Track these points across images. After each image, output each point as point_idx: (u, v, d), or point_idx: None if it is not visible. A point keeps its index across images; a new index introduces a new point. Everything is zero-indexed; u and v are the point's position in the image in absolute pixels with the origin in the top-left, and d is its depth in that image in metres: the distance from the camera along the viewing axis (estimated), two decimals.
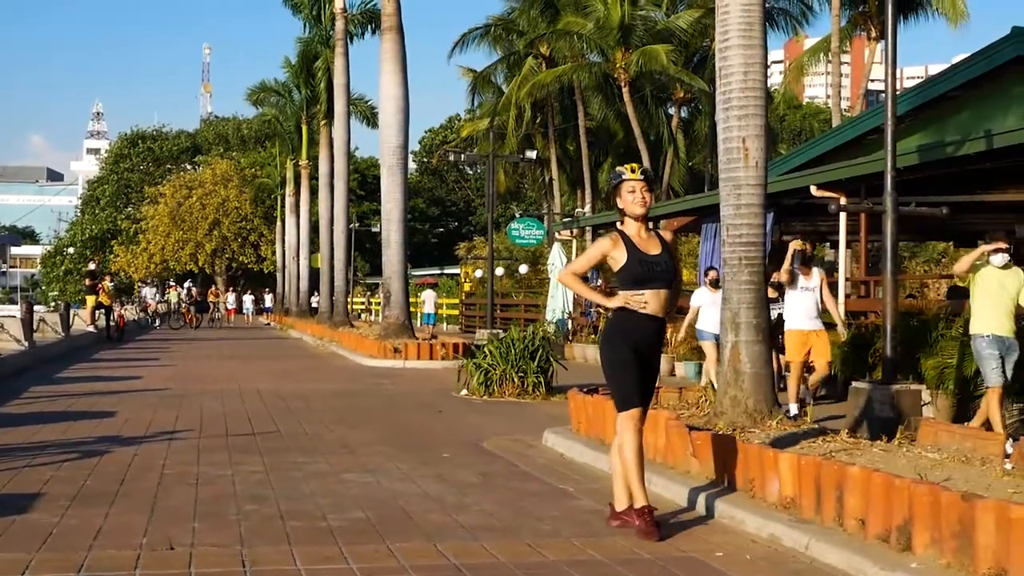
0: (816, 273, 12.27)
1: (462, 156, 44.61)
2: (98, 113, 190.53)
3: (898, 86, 11.33)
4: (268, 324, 49.69)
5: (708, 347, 14.17)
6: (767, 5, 11.26)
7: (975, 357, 9.71)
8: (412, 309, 28.28)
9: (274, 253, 65.39)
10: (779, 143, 58.81)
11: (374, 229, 56.28)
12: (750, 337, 8.64)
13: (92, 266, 33.57)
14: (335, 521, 6.51)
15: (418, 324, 34.07)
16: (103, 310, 30.32)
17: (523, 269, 43.50)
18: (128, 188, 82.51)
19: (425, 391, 15.65)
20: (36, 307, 25.16)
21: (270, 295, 57.49)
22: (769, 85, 10.86)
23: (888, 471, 6.05)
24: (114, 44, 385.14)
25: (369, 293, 62.94)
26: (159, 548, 5.79)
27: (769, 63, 11.17)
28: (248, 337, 35.83)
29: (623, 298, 6.29)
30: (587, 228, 31.09)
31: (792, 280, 12.11)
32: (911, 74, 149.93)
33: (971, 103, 19.17)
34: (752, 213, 8.80)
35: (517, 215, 45.84)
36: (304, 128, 48.36)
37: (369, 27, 39.94)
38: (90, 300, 30.08)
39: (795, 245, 12.26)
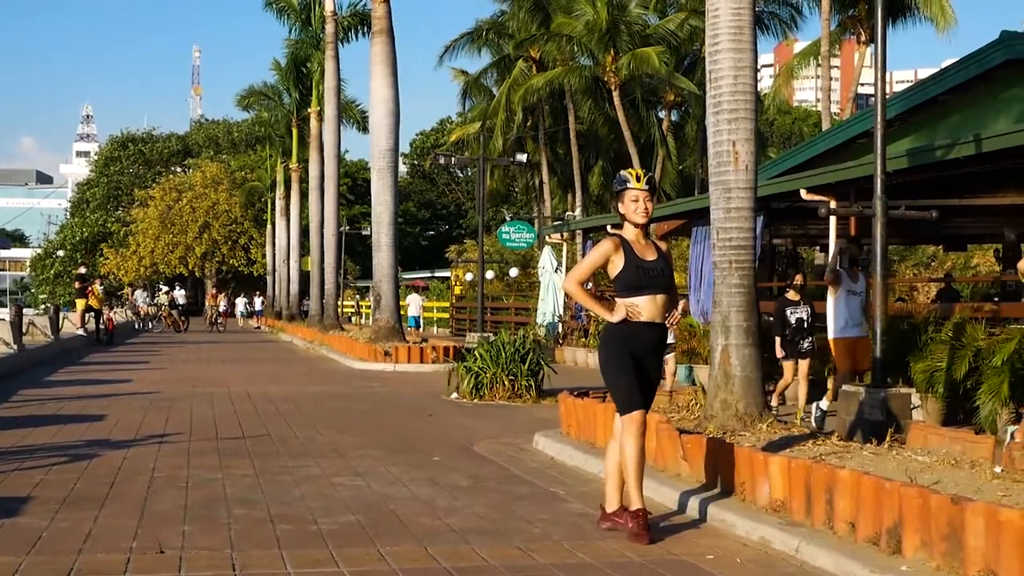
0: (863, 276, 11.64)
1: (452, 159, 44.59)
2: (88, 116, 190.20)
3: (888, 90, 11.35)
4: (258, 327, 49.57)
5: None
6: (757, 9, 11.28)
7: None
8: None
9: (264, 256, 65.30)
10: (769, 147, 58.96)
11: (364, 232, 56.25)
12: (740, 340, 8.65)
13: (82, 270, 33.49)
14: (325, 525, 6.50)
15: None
16: (93, 313, 30.24)
17: (513, 272, 43.50)
18: (118, 191, 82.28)
19: (416, 394, 15.64)
20: (25, 310, 25.08)
21: (260, 298, 57.32)
22: (759, 89, 10.86)
23: (878, 474, 6.07)
24: (103, 47, 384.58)
25: (359, 296, 62.84)
26: (149, 551, 5.78)
27: (759, 67, 11.20)
28: (238, 340, 35.76)
29: (622, 310, 6.29)
30: (577, 231, 31.11)
31: (837, 282, 11.47)
32: (901, 78, 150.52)
33: (961, 107, 19.24)
34: (742, 216, 8.82)
35: (507, 218, 45.82)
36: (294, 131, 48.32)
37: (360, 30, 39.92)
38: (80, 303, 30.00)
39: (842, 244, 11.58)
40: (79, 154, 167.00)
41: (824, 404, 11.36)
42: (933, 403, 11.65)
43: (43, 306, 66.36)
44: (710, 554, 5.97)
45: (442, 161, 50.90)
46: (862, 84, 45.75)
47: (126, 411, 12.62)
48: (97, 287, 30.78)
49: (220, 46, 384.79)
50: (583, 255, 28.29)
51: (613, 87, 40.14)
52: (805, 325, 12.56)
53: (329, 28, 35.97)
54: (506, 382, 14.37)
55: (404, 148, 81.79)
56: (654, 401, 10.16)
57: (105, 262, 71.65)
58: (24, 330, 21.95)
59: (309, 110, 42.83)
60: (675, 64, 41.95)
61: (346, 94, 45.14)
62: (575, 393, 10.30)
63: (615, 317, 6.34)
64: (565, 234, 29.58)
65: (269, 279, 60.37)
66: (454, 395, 14.77)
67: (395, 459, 9.22)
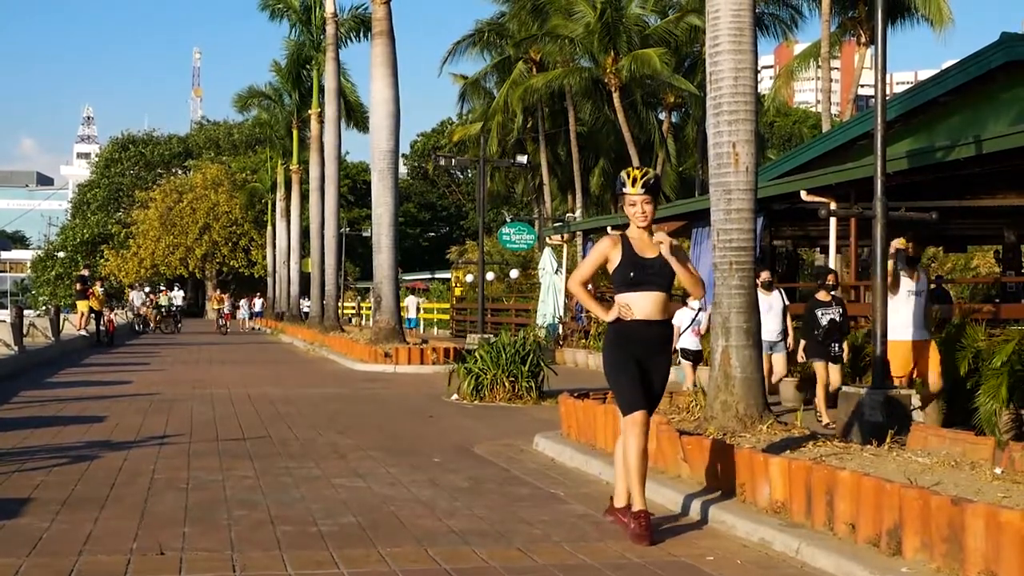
0: (924, 275, 11.20)
1: (453, 161, 44.59)
2: (88, 117, 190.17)
3: (888, 91, 11.35)
4: (257, 329, 49.55)
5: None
6: (757, 10, 11.29)
7: None
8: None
9: (264, 258, 65.33)
10: (769, 148, 58.96)
11: (365, 234, 56.29)
12: (740, 341, 8.65)
13: (84, 271, 33.50)
14: (326, 526, 6.51)
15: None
16: (94, 315, 30.25)
17: (514, 274, 43.50)
18: (119, 192, 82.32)
19: (416, 396, 15.64)
20: (26, 312, 25.08)
21: (260, 299, 57.29)
22: (759, 90, 10.85)
23: (878, 475, 6.07)
24: (104, 49, 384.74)
25: (360, 298, 62.86)
26: (149, 553, 5.78)
27: (759, 68, 11.19)
28: (239, 342, 35.76)
29: (616, 309, 6.30)
30: (578, 232, 31.12)
31: (896, 283, 10.80)
32: (901, 79, 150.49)
33: (961, 108, 19.25)
34: (742, 218, 8.82)
35: (508, 220, 45.83)
36: (295, 132, 48.33)
37: (360, 32, 39.94)
38: (81, 305, 30.01)
39: (897, 243, 10.85)
40: (80, 156, 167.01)
41: (919, 416, 10.49)
42: (933, 404, 11.64)
43: (44, 307, 66.37)
44: (710, 555, 5.98)
45: (442, 162, 51.00)
46: (862, 85, 45.72)
47: (126, 412, 12.62)
48: (98, 288, 30.79)
49: (221, 48, 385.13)
50: (583, 256, 28.30)
51: (613, 88, 40.16)
52: (836, 327, 12.27)
53: (330, 30, 35.98)
54: (506, 383, 14.37)
55: (405, 150, 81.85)
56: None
57: (106, 263, 71.69)
58: (25, 331, 21.95)
59: (309, 111, 42.82)
60: (675, 66, 41.98)
61: (352, 93, 45.18)
62: (575, 394, 10.31)
63: (609, 316, 6.34)
64: (565, 235, 29.60)
65: (269, 280, 60.38)
66: (454, 396, 14.77)
67: (395, 460, 9.22)
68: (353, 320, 52.39)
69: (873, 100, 11.39)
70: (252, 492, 7.63)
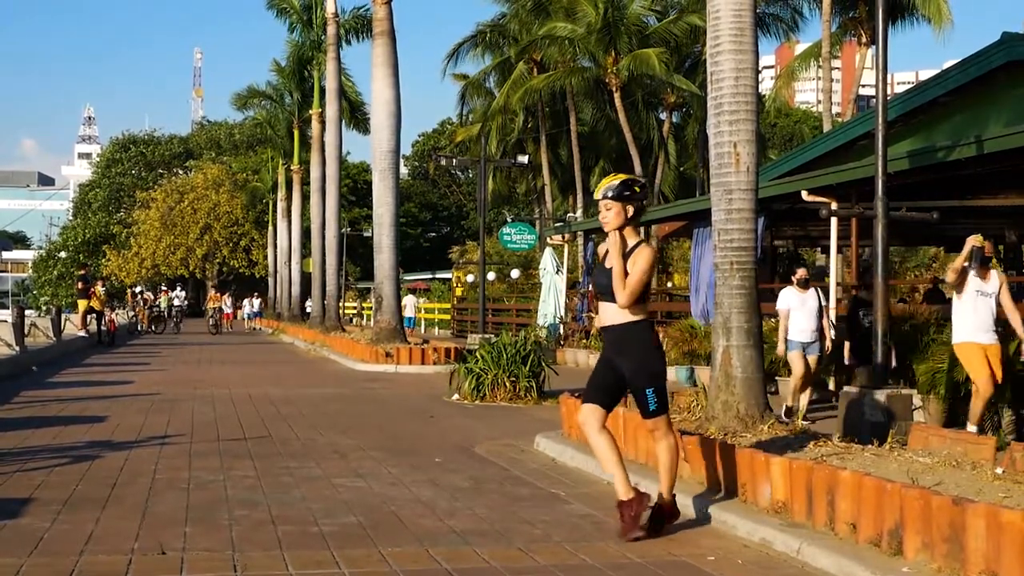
0: (995, 275, 10.68)
1: (454, 161, 44.59)
2: (89, 117, 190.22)
3: (889, 91, 11.34)
4: (258, 329, 49.55)
5: (795, 359, 12.28)
6: (758, 10, 11.28)
7: None
8: None
9: (265, 258, 65.35)
10: (770, 148, 58.94)
11: (366, 234, 56.32)
12: (741, 341, 8.65)
13: (84, 271, 33.50)
14: (327, 526, 6.51)
15: None
16: (95, 315, 30.25)
17: (515, 274, 43.54)
18: (120, 192, 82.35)
19: (417, 396, 15.64)
20: (27, 311, 25.09)
21: (259, 299, 57.25)
22: (760, 90, 10.85)
23: (879, 475, 6.07)
24: (105, 49, 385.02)
25: (361, 298, 62.88)
26: (151, 553, 5.78)
27: (760, 68, 11.19)
28: (240, 342, 35.77)
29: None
30: (579, 233, 31.12)
31: (962, 283, 10.38)
32: (902, 79, 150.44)
33: (962, 108, 19.24)
34: (743, 218, 8.82)
35: (509, 220, 45.87)
36: (296, 133, 48.34)
37: (361, 32, 39.95)
38: (82, 304, 30.01)
39: (973, 241, 10.43)
40: (81, 156, 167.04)
41: (972, 428, 9.96)
42: (935, 404, 11.65)
43: (45, 308, 66.42)
44: (711, 555, 5.98)
45: (443, 162, 51.07)
46: (863, 85, 45.77)
47: (127, 412, 12.62)
48: (99, 288, 30.79)
49: (222, 48, 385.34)
50: (584, 256, 28.33)
51: (614, 88, 40.17)
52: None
53: (331, 30, 35.97)
54: (507, 383, 14.37)
55: (406, 150, 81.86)
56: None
57: (107, 263, 71.73)
58: (26, 331, 21.96)
59: (311, 112, 42.81)
60: (676, 65, 41.98)
61: (357, 95, 45.19)
62: (576, 395, 10.28)
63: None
64: (566, 235, 29.60)
65: (271, 280, 60.41)
66: (455, 396, 14.77)
67: (396, 460, 9.22)
68: (354, 320, 52.39)
69: (874, 100, 11.37)
70: (253, 492, 7.64)
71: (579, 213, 43.51)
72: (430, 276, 63.89)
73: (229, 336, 40.35)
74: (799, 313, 12.21)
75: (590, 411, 6.45)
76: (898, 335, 12.00)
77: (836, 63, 58.60)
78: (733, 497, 6.98)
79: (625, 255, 6.35)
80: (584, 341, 23.62)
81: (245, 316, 53.80)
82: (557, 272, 27.69)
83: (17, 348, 19.98)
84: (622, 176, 6.55)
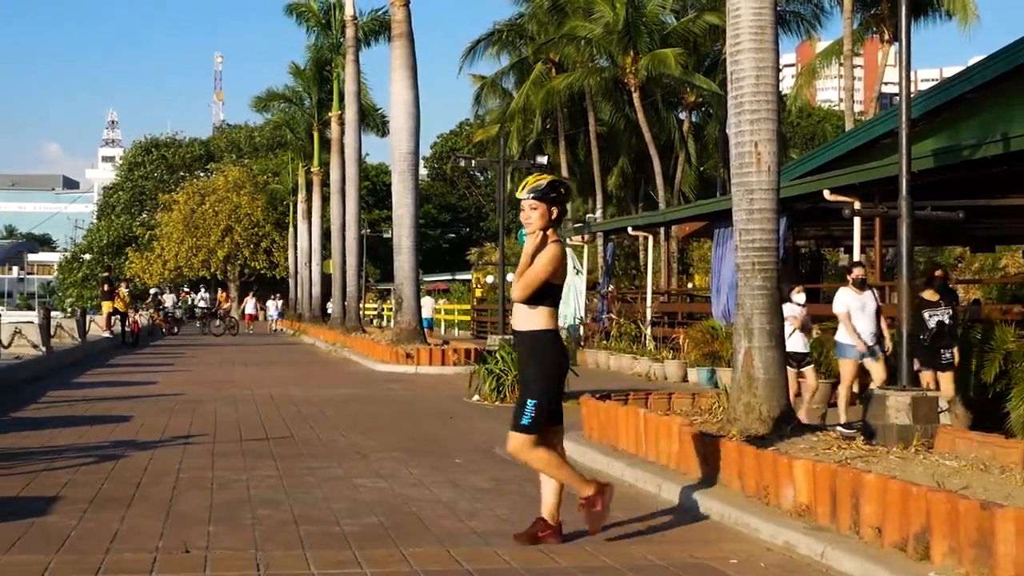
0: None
1: (472, 162, 44.59)
2: (112, 121, 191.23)
3: (912, 89, 11.27)
4: (279, 330, 49.64)
5: (848, 368, 11.71)
6: (779, 8, 11.24)
7: None
8: None
9: (286, 259, 65.54)
10: (791, 147, 58.76)
11: (386, 235, 56.28)
12: (764, 343, 8.61)
13: (108, 273, 33.68)
14: (348, 526, 6.52)
15: None
16: (119, 316, 30.40)
17: None
18: (143, 195, 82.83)
19: (437, 397, 15.65)
20: (53, 313, 25.25)
21: (281, 300, 57.32)
22: (781, 89, 10.78)
23: (905, 478, 6.03)
24: (128, 53, 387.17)
25: (381, 299, 63.00)
26: (175, 551, 5.81)
27: (781, 67, 11.14)
28: (261, 343, 35.87)
29: None
30: (598, 233, 31.08)
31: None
32: (926, 76, 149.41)
33: (988, 105, 19.06)
34: (765, 218, 8.78)
35: None
36: (315, 135, 48.47)
37: (380, 34, 40.03)
38: (106, 306, 30.16)
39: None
40: (104, 159, 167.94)
41: None
42: (961, 406, 11.56)
43: (70, 309, 66.83)
44: (733, 558, 5.95)
45: (462, 163, 50.94)
46: (886, 83, 45.48)
47: (151, 413, 12.68)
48: (123, 290, 30.96)
49: (242, 52, 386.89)
50: (604, 257, 28.29)
51: (633, 89, 40.09)
52: (946, 330, 11.39)
53: (349, 32, 36.04)
54: None
55: (425, 151, 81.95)
56: (677, 404, 10.18)
57: (130, 265, 72.11)
58: (52, 333, 22.09)
59: (330, 114, 42.91)
60: (695, 64, 41.88)
61: (369, 98, 45.30)
62: (597, 396, 10.29)
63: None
64: (586, 236, 29.56)
65: (291, 282, 60.55)
66: (475, 397, 14.77)
67: (417, 461, 9.22)
68: (374, 321, 52.47)
69: (897, 98, 11.27)
70: (275, 492, 7.66)
71: (598, 214, 43.43)
72: (450, 277, 63.93)
73: (251, 337, 40.46)
74: (859, 316, 11.56)
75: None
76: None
77: (858, 60, 58.39)
78: (756, 500, 6.95)
79: (534, 255, 6.08)
80: (604, 342, 23.58)
81: (270, 317, 53.69)
82: (577, 273, 27.64)
83: (43, 349, 20.10)
84: (548, 176, 6.32)
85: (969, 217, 12.69)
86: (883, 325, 11.91)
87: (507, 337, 21.51)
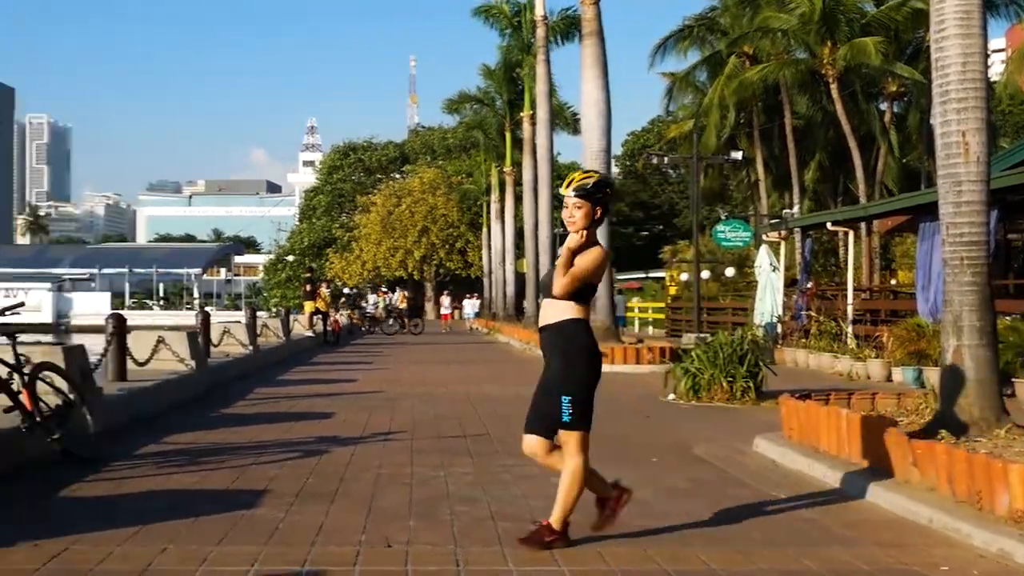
0: None
1: (665, 159, 44.29)
2: (312, 127, 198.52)
3: None
4: (475, 329, 50.44)
5: None
6: None
7: None
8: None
9: (480, 259, 66.60)
10: (1001, 137, 56.02)
11: None
12: (974, 341, 8.24)
13: (310, 274, 34.96)
14: None
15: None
16: (320, 315, 31.49)
17: (729, 272, 42.87)
18: (341, 198, 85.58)
19: (631, 396, 15.58)
20: (259, 313, 26.36)
21: (478, 299, 58.22)
22: (989, 75, 10.29)
23: None
24: (326, 61, 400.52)
25: None
26: (377, 545, 5.96)
27: (989, 52, 10.64)
28: (456, 342, 36.54)
29: None
30: (795, 229, 30.38)
31: None
32: None
33: None
34: (974, 211, 8.40)
35: (723, 217, 45.23)
36: (507, 135, 49.04)
37: (569, 33, 40.20)
38: (308, 306, 31.31)
39: None
40: (305, 164, 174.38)
41: None
42: None
43: (274, 309, 69.74)
44: (944, 564, 5.71)
45: (654, 161, 50.73)
46: None
47: (352, 410, 13.07)
48: (324, 290, 32.07)
49: (435, 55, 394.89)
50: (802, 253, 27.62)
51: (831, 79, 39.02)
52: None
53: (539, 32, 36.33)
54: (724, 384, 14.14)
55: (616, 149, 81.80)
56: (881, 405, 9.84)
57: (331, 266, 74.62)
58: (258, 332, 23.08)
59: (521, 114, 43.36)
60: (896, 52, 40.45)
61: (557, 96, 45.55)
62: (796, 395, 10.05)
63: None
64: (783, 232, 28.93)
65: (485, 281, 61.48)
66: (671, 396, 14.65)
67: (612, 460, 9.17)
68: None
69: None
70: (473, 489, 7.77)
71: (795, 209, 42.48)
72: (643, 275, 63.67)
73: (446, 336, 41.25)
74: None
75: (534, 443, 6.02)
76: None
77: None
78: (966, 505, 6.64)
79: (575, 252, 5.86)
80: (803, 340, 23.03)
81: (466, 316, 54.52)
82: (774, 270, 27.08)
83: (250, 348, 21.01)
84: (596, 175, 6.04)
85: None
86: None
87: (703, 335, 21.29)
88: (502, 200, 51.67)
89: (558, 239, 49.33)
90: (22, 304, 9.48)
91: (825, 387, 12.99)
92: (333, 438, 10.41)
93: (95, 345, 12.74)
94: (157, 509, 6.85)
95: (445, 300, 52.57)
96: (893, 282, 33.98)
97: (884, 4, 40.89)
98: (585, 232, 5.85)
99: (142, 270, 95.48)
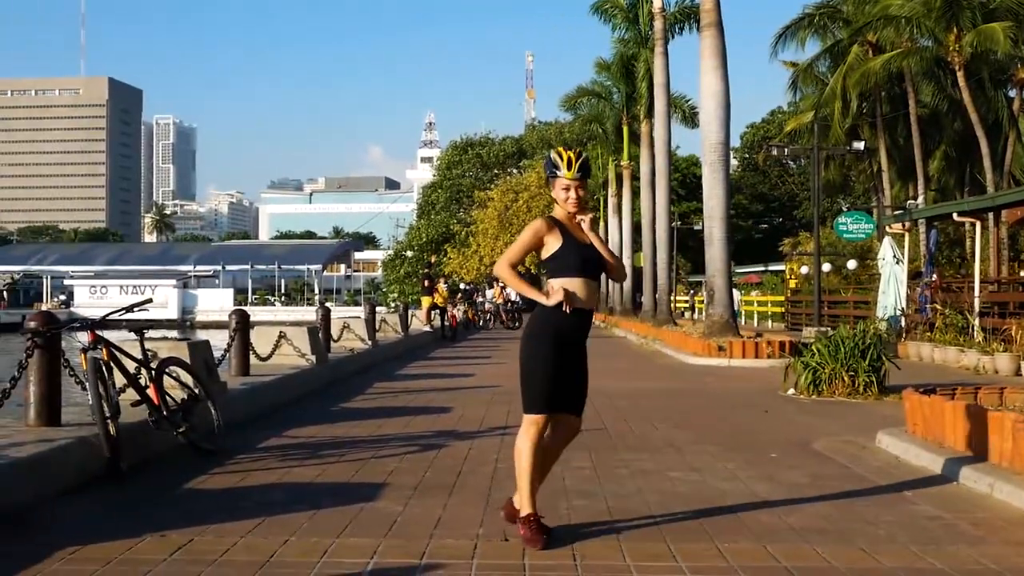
0: None
1: (785, 151, 43.63)
2: (430, 123, 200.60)
3: None
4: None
5: None
6: None
7: None
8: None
9: None
10: None
11: (696, 227, 56.09)
12: None
13: (428, 269, 35.36)
14: (662, 519, 6.52)
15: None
16: (438, 311, 31.81)
17: (851, 265, 42.06)
18: (459, 193, 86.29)
19: (750, 390, 15.40)
20: (378, 308, 26.79)
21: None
22: None
23: None
24: (443, 58, 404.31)
25: (692, 292, 62.75)
26: (494, 539, 6.01)
27: None
28: None
29: (559, 293, 5.85)
30: (919, 220, 29.64)
31: None
32: None
33: None
34: None
35: (844, 209, 44.36)
36: (624, 129, 48.83)
37: (687, 24, 39.83)
38: (426, 301, 31.67)
39: None
40: (423, 160, 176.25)
41: None
42: None
43: (393, 304, 70.73)
44: None
45: (775, 152, 50.04)
46: None
47: (470, 404, 13.17)
48: (441, 286, 32.39)
49: (551, 50, 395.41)
50: (927, 245, 26.95)
51: (957, 67, 37.92)
52: None
53: (657, 24, 36.11)
54: (845, 378, 13.88)
55: (734, 141, 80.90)
56: (1010, 399, 9.55)
57: (448, 262, 75.33)
58: (377, 327, 23.44)
59: (638, 107, 43.12)
60: None
61: (674, 89, 45.23)
62: (920, 390, 9.81)
63: (551, 300, 5.88)
64: (907, 223, 28.25)
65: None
66: (790, 391, 14.43)
67: (731, 455, 9.11)
68: (685, 314, 52.32)
69: None
70: (590, 483, 7.77)
71: (920, 200, 41.42)
72: (762, 268, 62.88)
73: None
74: None
75: (545, 422, 6.05)
76: None
77: None
78: None
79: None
80: (928, 334, 22.47)
81: None
82: (897, 262, 26.48)
83: (369, 343, 21.34)
84: (580, 151, 6.12)
85: None
86: None
87: (823, 329, 20.91)
88: (619, 194, 51.52)
89: (676, 232, 49.05)
90: (150, 300, 9.78)
91: (951, 381, 12.65)
92: (451, 432, 10.51)
93: (219, 340, 13.10)
94: (279, 501, 7.01)
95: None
96: (1022, 273, 32.90)
97: None
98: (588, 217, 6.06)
99: (264, 267, 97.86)
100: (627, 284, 48.26)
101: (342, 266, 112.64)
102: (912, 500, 7.24)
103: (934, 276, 25.93)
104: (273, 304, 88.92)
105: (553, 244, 5.97)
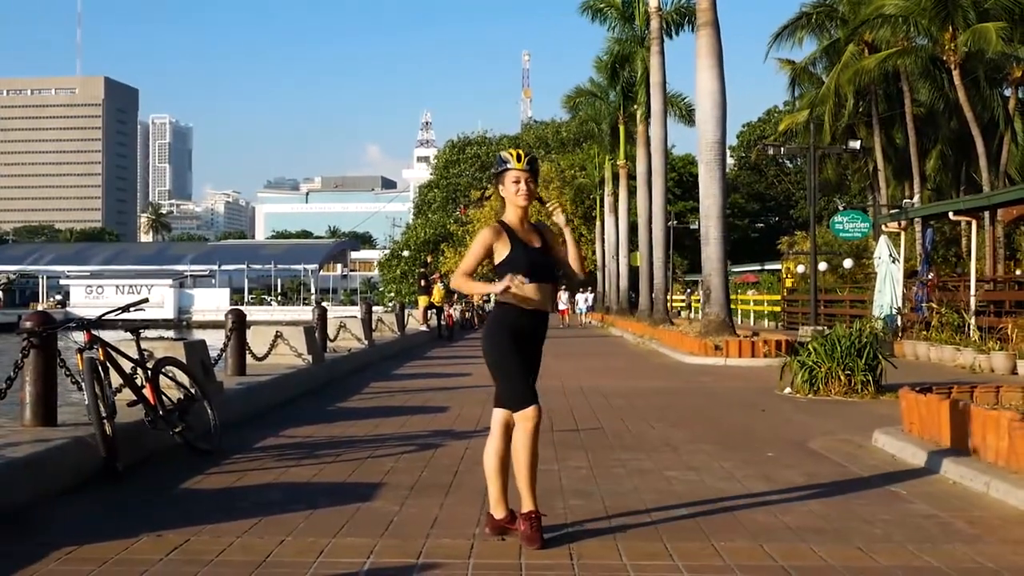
0: None
1: (781, 150, 43.69)
2: (427, 122, 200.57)
3: None
4: (588, 323, 50.37)
5: None
6: None
7: None
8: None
9: (594, 252, 66.49)
10: None
11: (692, 226, 56.13)
12: None
13: (425, 269, 35.36)
14: (659, 518, 6.53)
15: None
16: (434, 310, 31.81)
17: (847, 263, 42.09)
18: (456, 193, 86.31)
19: (747, 389, 15.42)
20: (374, 308, 26.77)
21: (591, 293, 58.04)
22: None
23: None
24: (439, 58, 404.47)
25: (688, 291, 62.80)
26: (491, 538, 6.00)
27: None
28: (570, 336, 36.56)
29: (506, 280, 5.82)
30: (915, 219, 29.66)
31: None
32: None
33: None
34: None
35: (840, 208, 44.34)
36: (621, 128, 48.84)
37: (683, 24, 39.84)
38: (422, 300, 31.67)
39: None
40: (419, 159, 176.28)
41: None
42: None
43: (390, 304, 70.75)
44: None
45: (770, 151, 50.11)
46: None
47: (467, 403, 13.16)
48: (438, 285, 32.38)
49: (547, 50, 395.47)
50: (923, 244, 26.96)
51: (952, 66, 37.96)
52: None
53: (653, 24, 36.10)
54: (842, 377, 13.90)
55: (731, 140, 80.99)
56: (1006, 398, 9.57)
57: (445, 261, 75.34)
58: (373, 327, 23.43)
59: (634, 106, 43.13)
60: (1021, 36, 39.17)
61: (670, 88, 45.23)
62: (917, 388, 9.82)
63: (499, 287, 5.86)
64: (903, 222, 28.28)
65: (599, 275, 61.37)
66: (787, 390, 14.45)
67: (727, 454, 9.12)
68: (682, 313, 52.33)
69: None
70: (586, 482, 7.77)
71: (916, 199, 41.46)
72: (758, 267, 62.90)
73: (561, 330, 41.27)
74: None
75: (537, 412, 5.97)
76: None
77: None
78: None
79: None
80: (924, 333, 22.50)
81: (579, 310, 54.23)
82: (893, 261, 26.50)
83: (366, 342, 21.34)
84: (520, 149, 6.25)
85: None
86: None
87: (819, 328, 20.93)
88: (615, 193, 51.52)
89: (672, 231, 49.05)
90: (146, 300, 9.79)
91: (947, 380, 12.67)
92: (448, 431, 10.51)
93: (215, 340, 13.09)
94: (275, 501, 7.01)
95: (563, 295, 52.27)
96: (1018, 272, 32.95)
97: None
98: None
99: (260, 266, 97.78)
100: (623, 283, 48.26)
101: (338, 266, 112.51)
102: (908, 499, 7.25)
103: (930, 275, 25.95)
104: (269, 304, 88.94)
105: (502, 251, 6.01)
